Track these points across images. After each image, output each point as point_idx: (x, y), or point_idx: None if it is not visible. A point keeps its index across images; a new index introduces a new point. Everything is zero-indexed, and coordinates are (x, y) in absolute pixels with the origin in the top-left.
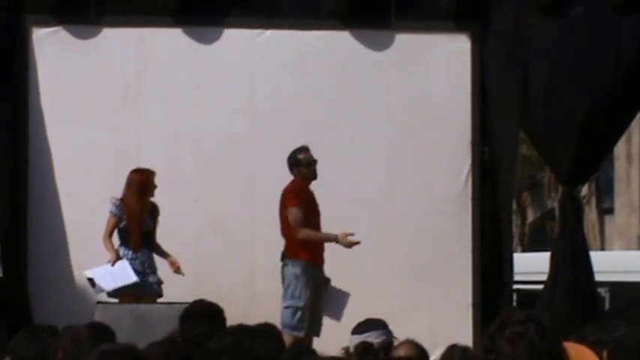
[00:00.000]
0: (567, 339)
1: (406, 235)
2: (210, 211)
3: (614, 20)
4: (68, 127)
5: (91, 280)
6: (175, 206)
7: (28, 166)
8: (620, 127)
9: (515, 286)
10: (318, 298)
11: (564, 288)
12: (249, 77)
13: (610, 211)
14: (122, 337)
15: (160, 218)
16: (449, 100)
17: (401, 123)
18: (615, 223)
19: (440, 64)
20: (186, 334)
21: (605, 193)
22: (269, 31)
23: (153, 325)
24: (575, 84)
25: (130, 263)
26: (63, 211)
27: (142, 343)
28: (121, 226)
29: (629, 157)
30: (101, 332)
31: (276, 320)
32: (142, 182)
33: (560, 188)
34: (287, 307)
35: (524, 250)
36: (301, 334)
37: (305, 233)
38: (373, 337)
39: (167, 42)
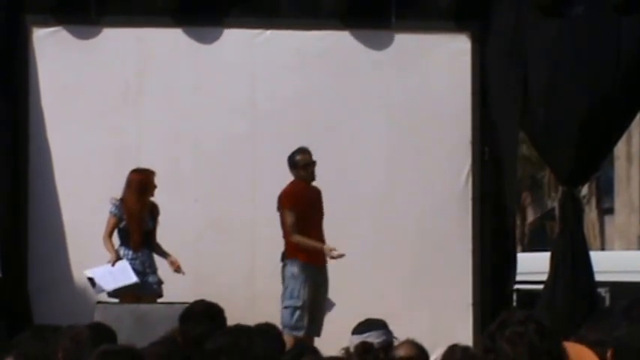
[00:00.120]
0: (567, 339)
1: (406, 235)
2: (210, 211)
3: (614, 20)
4: (68, 127)
5: (91, 280)
6: (175, 206)
7: (28, 166)
8: (620, 127)
9: (516, 286)
10: (318, 298)
11: (564, 288)
12: (249, 77)
13: (610, 211)
14: (122, 337)
15: (160, 218)
16: (449, 100)
17: (401, 123)
18: (615, 223)
19: (440, 64)
20: (186, 334)
21: (605, 193)
22: (269, 31)
23: (153, 325)
24: (575, 84)
25: (130, 263)
26: (63, 211)
27: (142, 343)
28: (121, 226)
29: (629, 157)
30: (102, 333)
31: (277, 320)
32: (141, 182)
33: (560, 188)
34: (286, 307)
35: (524, 250)
36: (300, 334)
37: (296, 239)
38: (373, 337)
39: (167, 42)
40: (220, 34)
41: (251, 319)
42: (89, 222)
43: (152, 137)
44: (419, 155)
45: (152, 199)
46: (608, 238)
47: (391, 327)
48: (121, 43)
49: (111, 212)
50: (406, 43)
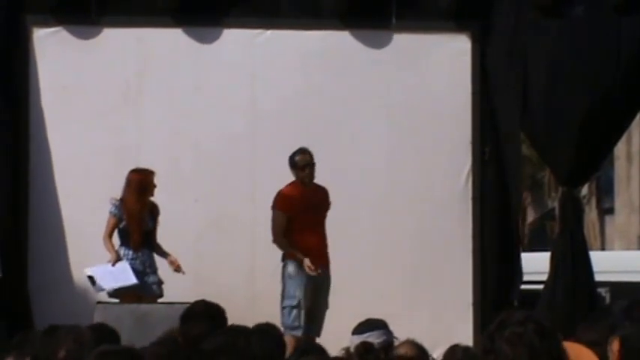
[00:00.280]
0: (567, 339)
1: (406, 235)
2: (210, 211)
3: (614, 20)
4: (68, 127)
5: (91, 278)
6: (175, 206)
7: (28, 166)
8: (620, 127)
9: None
10: (318, 298)
11: (564, 288)
12: (250, 77)
13: (610, 211)
14: (122, 337)
15: (160, 218)
16: (449, 100)
17: (401, 123)
18: (615, 223)
19: (440, 64)
20: (186, 334)
21: (605, 193)
22: (269, 31)
23: (153, 325)
24: (575, 84)
25: (131, 263)
26: (63, 211)
27: (142, 343)
28: (121, 226)
29: (629, 157)
30: (104, 333)
31: (277, 320)
32: (140, 182)
33: (560, 188)
34: (283, 308)
35: (524, 250)
36: (299, 334)
37: (277, 241)
38: (374, 337)
39: (167, 42)
40: (220, 34)
41: (251, 319)
42: (89, 222)
43: (152, 137)
44: (419, 155)
45: (152, 199)
46: (608, 238)
47: (391, 327)
48: (121, 43)
49: (111, 212)
50: (406, 43)
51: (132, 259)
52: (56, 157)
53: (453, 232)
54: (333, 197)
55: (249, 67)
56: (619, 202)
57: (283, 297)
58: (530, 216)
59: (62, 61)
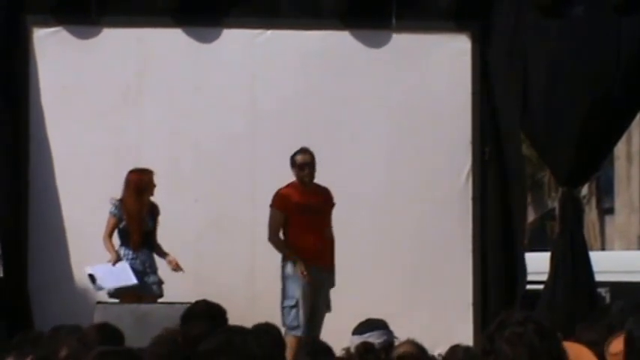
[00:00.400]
0: (567, 339)
1: (406, 235)
2: (210, 211)
3: (614, 20)
4: (69, 127)
5: (91, 277)
6: (175, 206)
7: (28, 166)
8: (620, 127)
9: None
10: (317, 298)
11: (564, 288)
12: (250, 77)
13: (610, 211)
14: None
15: (160, 218)
16: (449, 100)
17: (401, 123)
18: (615, 223)
19: (440, 64)
20: (186, 334)
21: (605, 193)
22: (269, 32)
23: (153, 325)
24: (575, 84)
25: (131, 263)
26: (63, 211)
27: (142, 343)
28: (121, 226)
29: (629, 157)
30: (109, 333)
31: (277, 320)
32: (139, 182)
33: (560, 188)
34: (283, 308)
35: (524, 250)
36: (299, 334)
37: (272, 240)
38: (374, 338)
39: (167, 42)
40: (220, 34)
41: (251, 319)
42: (89, 222)
43: (152, 137)
44: (419, 155)
45: (152, 199)
46: (609, 238)
47: (391, 327)
48: (121, 43)
49: (110, 212)
50: (406, 43)
51: (132, 259)
52: (56, 157)
53: (453, 232)
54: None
55: (249, 67)
56: (619, 202)
57: (282, 297)
58: (530, 216)
59: (62, 61)
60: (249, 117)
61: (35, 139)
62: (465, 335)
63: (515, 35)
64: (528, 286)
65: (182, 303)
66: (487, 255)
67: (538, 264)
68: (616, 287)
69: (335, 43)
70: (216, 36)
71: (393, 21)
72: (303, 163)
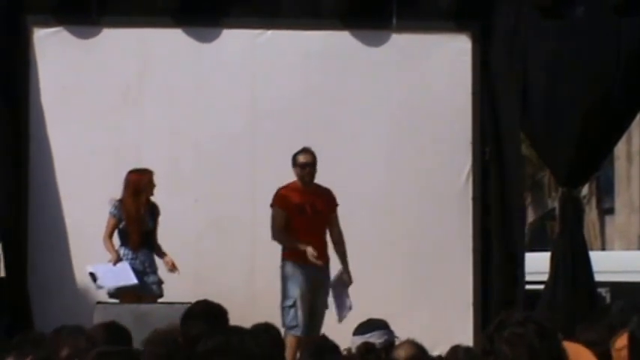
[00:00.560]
0: (567, 339)
1: (406, 235)
2: (210, 211)
3: (614, 21)
4: (69, 127)
5: (92, 275)
6: (175, 206)
7: (28, 166)
8: (620, 127)
9: None
10: (317, 298)
11: (564, 288)
12: (250, 77)
13: (610, 211)
14: None
15: (160, 218)
16: (449, 100)
17: (401, 123)
18: (615, 223)
19: (440, 64)
20: (186, 334)
21: (605, 193)
22: (270, 32)
23: (153, 325)
24: (575, 84)
25: (130, 263)
26: (64, 211)
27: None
28: (121, 226)
29: (629, 157)
30: (116, 333)
31: (277, 320)
32: (137, 183)
33: (560, 188)
34: (282, 308)
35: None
36: (297, 333)
37: (278, 238)
38: (375, 338)
39: (168, 42)
40: (220, 34)
41: (251, 319)
42: (90, 222)
43: (152, 137)
44: (419, 155)
45: (152, 199)
46: (609, 238)
47: (391, 327)
48: (121, 44)
49: (110, 213)
50: (406, 43)
51: (131, 259)
52: (56, 157)
53: (453, 232)
54: None
55: (250, 67)
56: (619, 202)
57: (281, 297)
58: (531, 216)
59: (62, 61)
60: (249, 117)
61: (35, 139)
62: (465, 335)
63: (515, 35)
64: (528, 286)
65: (182, 303)
66: (487, 255)
67: (538, 264)
68: (616, 287)
69: (335, 43)
70: (216, 36)
71: (394, 21)
72: (305, 162)
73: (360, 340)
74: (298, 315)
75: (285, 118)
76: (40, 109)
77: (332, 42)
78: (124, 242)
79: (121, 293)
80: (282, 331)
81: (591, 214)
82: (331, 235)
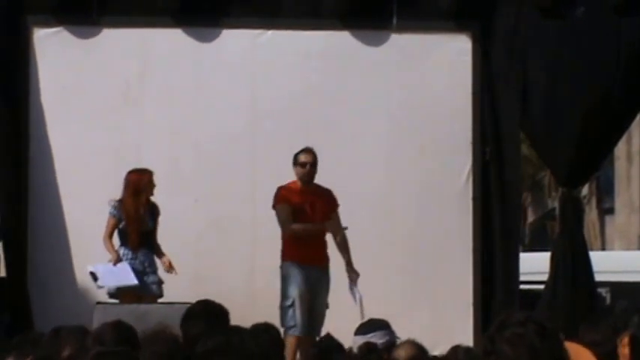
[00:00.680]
0: (568, 339)
1: (406, 235)
2: (210, 211)
3: (614, 21)
4: (69, 127)
5: (92, 275)
6: (175, 206)
7: (28, 166)
8: (620, 127)
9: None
10: (316, 297)
11: (564, 288)
12: (250, 77)
13: (610, 211)
14: None
15: (160, 218)
16: (449, 100)
17: (401, 123)
18: (616, 223)
19: (440, 64)
20: (186, 333)
21: (605, 193)
22: (270, 32)
23: (152, 325)
24: (575, 84)
25: (130, 263)
26: (64, 211)
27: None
28: (121, 226)
29: (629, 157)
30: (124, 331)
31: (276, 320)
32: (137, 183)
33: (560, 188)
34: (281, 308)
35: (524, 250)
36: (296, 333)
37: (291, 229)
38: (377, 338)
39: (168, 42)
40: (221, 34)
41: (251, 319)
42: (90, 222)
43: (152, 137)
44: (419, 155)
45: (152, 199)
46: (609, 238)
47: (391, 327)
48: (121, 44)
49: (110, 213)
50: (406, 43)
51: (131, 259)
52: (56, 157)
53: (453, 232)
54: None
55: (250, 67)
56: (619, 202)
57: (280, 297)
58: (531, 216)
59: (62, 61)
60: (249, 117)
61: (35, 138)
62: (465, 335)
63: (515, 35)
64: (528, 286)
65: (182, 303)
66: (487, 255)
67: (538, 264)
68: (616, 287)
69: (335, 43)
70: (216, 36)
71: (394, 21)
72: (306, 162)
73: (361, 340)
74: (297, 315)
75: (285, 118)
76: (40, 109)
77: (332, 42)
78: (124, 242)
79: (121, 293)
80: (282, 331)
81: (591, 214)
82: (334, 237)
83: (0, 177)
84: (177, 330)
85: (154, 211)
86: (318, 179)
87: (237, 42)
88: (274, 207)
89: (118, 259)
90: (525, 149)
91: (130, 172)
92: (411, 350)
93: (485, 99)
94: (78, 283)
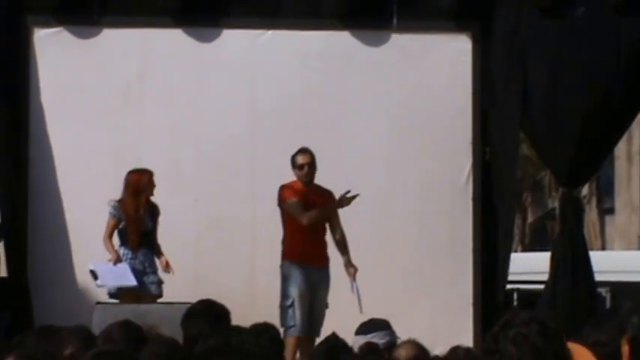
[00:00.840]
0: (568, 339)
1: (406, 235)
2: (210, 211)
3: (614, 21)
4: (69, 127)
5: (92, 273)
6: (175, 206)
7: (28, 166)
8: (620, 127)
9: (516, 286)
10: (316, 297)
11: (564, 288)
12: (250, 77)
13: (610, 211)
14: None
15: (160, 218)
16: (449, 100)
17: (401, 123)
18: (616, 223)
19: (440, 64)
20: (187, 333)
21: (605, 193)
22: (270, 32)
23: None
24: (575, 84)
25: (130, 263)
26: (64, 211)
27: None
28: (121, 226)
29: (629, 157)
30: (132, 330)
31: (276, 320)
32: (136, 183)
33: (560, 188)
34: (281, 308)
35: (524, 250)
36: (295, 333)
37: (307, 217)
38: (378, 338)
39: (168, 42)
40: (221, 34)
41: (251, 319)
42: (90, 222)
43: (152, 137)
44: (419, 155)
45: (152, 199)
46: (609, 238)
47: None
48: (121, 44)
49: (110, 213)
50: (406, 43)
51: (131, 259)
52: (56, 157)
53: (453, 232)
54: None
55: (250, 67)
56: (619, 202)
57: (281, 297)
58: (531, 216)
59: (62, 61)
60: (249, 117)
61: (35, 138)
62: (465, 335)
63: (515, 35)
64: (528, 286)
65: (182, 303)
66: (487, 255)
67: (538, 264)
68: (616, 287)
69: (335, 43)
70: (216, 36)
71: (394, 21)
72: (304, 163)
73: (362, 340)
74: (297, 315)
75: (285, 118)
76: (40, 109)
77: (332, 42)
78: (124, 242)
79: (121, 293)
80: (282, 331)
81: (591, 214)
82: (333, 235)
83: (0, 177)
84: (163, 330)
85: (153, 211)
86: (318, 179)
87: (237, 42)
88: (282, 202)
89: (117, 259)
90: (525, 149)
91: (130, 172)
92: (412, 350)
93: (486, 99)
94: (78, 283)
